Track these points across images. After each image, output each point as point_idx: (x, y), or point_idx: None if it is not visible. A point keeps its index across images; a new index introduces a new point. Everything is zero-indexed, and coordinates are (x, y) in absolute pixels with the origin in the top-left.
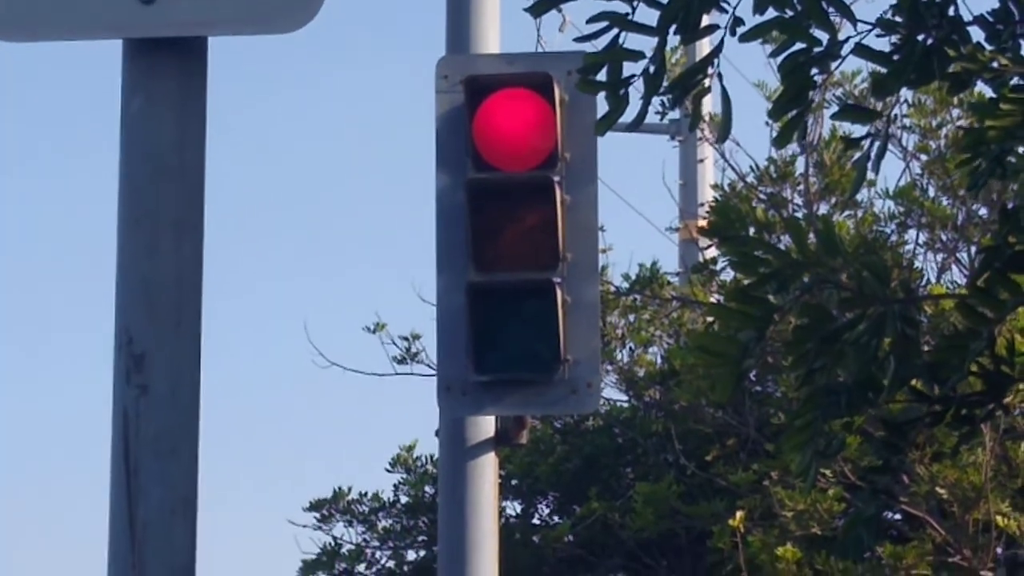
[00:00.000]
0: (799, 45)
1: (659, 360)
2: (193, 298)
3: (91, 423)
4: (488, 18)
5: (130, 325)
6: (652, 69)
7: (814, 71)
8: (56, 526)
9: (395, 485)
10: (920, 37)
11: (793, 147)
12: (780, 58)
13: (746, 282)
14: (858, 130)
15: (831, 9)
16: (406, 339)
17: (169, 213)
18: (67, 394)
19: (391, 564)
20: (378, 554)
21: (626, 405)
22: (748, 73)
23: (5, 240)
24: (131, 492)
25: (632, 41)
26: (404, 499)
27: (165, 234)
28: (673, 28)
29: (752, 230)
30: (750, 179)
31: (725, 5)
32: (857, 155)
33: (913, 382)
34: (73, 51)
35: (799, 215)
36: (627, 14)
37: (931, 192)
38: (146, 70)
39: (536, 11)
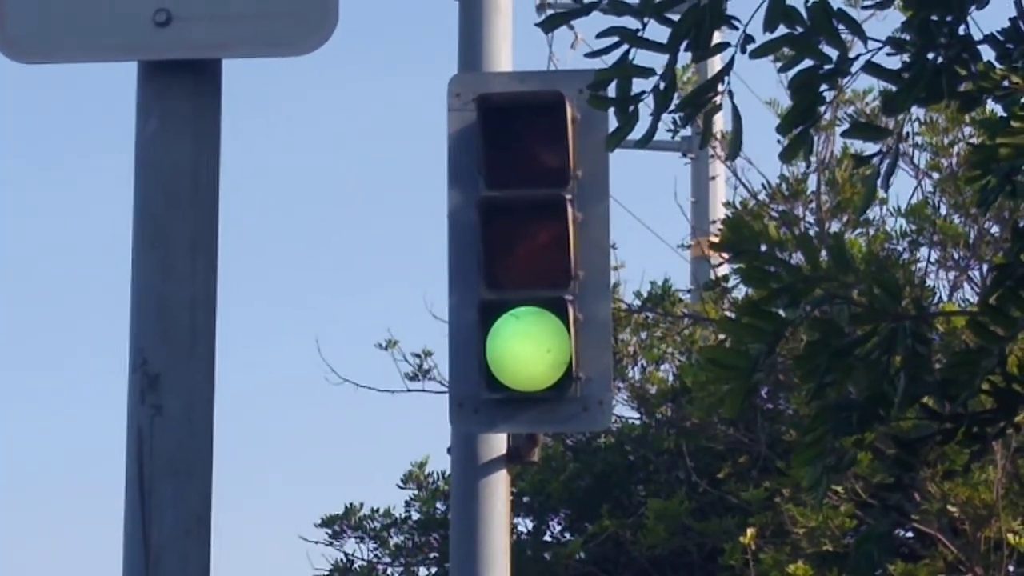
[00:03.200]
0: (809, 62)
1: (671, 377)
2: (208, 319)
3: (105, 443)
4: (500, 36)
5: (145, 346)
6: (662, 86)
7: (824, 87)
8: (70, 547)
9: (407, 502)
10: (930, 55)
11: (804, 165)
12: (790, 74)
13: (757, 296)
14: (869, 148)
15: (841, 26)
16: (418, 356)
17: (184, 234)
18: (81, 415)
19: None
20: (390, 571)
21: (638, 422)
22: (759, 91)
23: (19, 259)
24: (145, 513)
25: (643, 58)
26: (416, 516)
27: (180, 255)
28: (684, 45)
29: (764, 246)
30: (762, 197)
31: (736, 23)
32: (868, 172)
33: (924, 400)
34: (89, 73)
35: (811, 233)
36: (638, 30)
37: (943, 210)
38: (161, 92)
39: (547, 27)
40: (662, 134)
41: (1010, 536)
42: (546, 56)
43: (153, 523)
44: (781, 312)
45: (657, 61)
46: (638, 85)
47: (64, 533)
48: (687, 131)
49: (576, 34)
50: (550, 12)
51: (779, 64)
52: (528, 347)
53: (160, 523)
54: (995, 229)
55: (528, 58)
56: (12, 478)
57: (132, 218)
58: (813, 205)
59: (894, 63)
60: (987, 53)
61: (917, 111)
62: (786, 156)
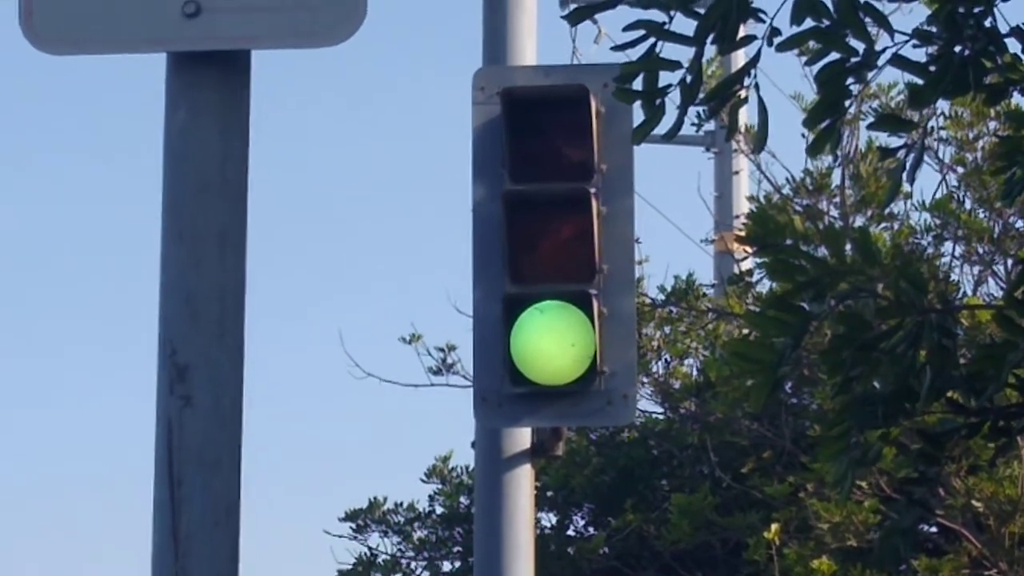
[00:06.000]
0: (835, 55)
1: (695, 372)
2: (236, 310)
3: (134, 434)
4: (524, 30)
5: (174, 336)
6: (689, 79)
7: (850, 80)
8: (99, 537)
9: (430, 496)
10: (957, 48)
11: (829, 159)
12: (816, 68)
13: (783, 290)
14: (894, 142)
15: (868, 19)
16: (442, 350)
17: (213, 226)
18: (110, 405)
19: (426, 575)
20: (413, 565)
21: (662, 417)
22: (783, 86)
23: (49, 250)
24: (174, 503)
25: (668, 51)
26: (439, 510)
27: (209, 246)
28: (710, 38)
29: (790, 240)
30: (786, 191)
31: (763, 15)
32: (893, 165)
33: (950, 393)
34: (118, 64)
35: (835, 227)
36: (664, 23)
37: (967, 205)
38: (190, 83)
39: (574, 19)
40: (686, 128)
41: None
42: (569, 51)
43: (182, 513)
44: (806, 306)
45: (683, 54)
46: (664, 78)
47: (93, 523)
48: (711, 125)
49: (600, 28)
50: (575, 6)
51: (804, 58)
52: (552, 341)
53: (189, 513)
54: (1020, 223)
55: (552, 52)
56: (42, 468)
57: (161, 209)
58: (837, 199)
59: (920, 56)
60: (1013, 46)
61: (942, 105)
62: (813, 150)
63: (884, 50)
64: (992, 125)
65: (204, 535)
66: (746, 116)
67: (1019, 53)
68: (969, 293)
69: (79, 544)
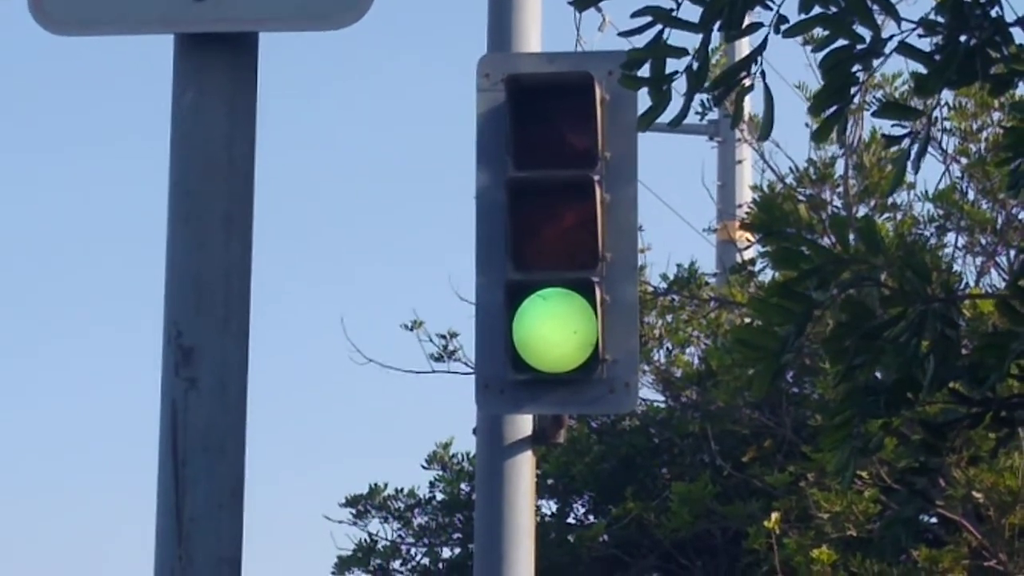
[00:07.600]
0: (842, 42)
1: (696, 360)
2: (242, 293)
3: (139, 416)
4: (529, 17)
5: (179, 319)
6: (695, 66)
7: (856, 68)
8: (103, 520)
9: (431, 482)
10: (963, 38)
11: (833, 149)
12: (822, 55)
13: (787, 278)
14: (899, 130)
15: (875, 7)
16: (443, 337)
17: (219, 208)
18: (115, 388)
19: (426, 561)
20: (413, 551)
21: (663, 405)
22: (787, 75)
23: (54, 232)
24: (179, 485)
25: (675, 38)
26: (440, 496)
27: (214, 228)
28: (717, 25)
29: (794, 228)
30: (789, 180)
31: (770, 2)
32: (897, 155)
33: (953, 384)
34: (125, 45)
35: (840, 215)
36: (671, 10)
37: (971, 195)
38: (197, 65)
39: (580, 5)
40: (690, 117)
41: None
42: (574, 38)
43: (187, 496)
44: (810, 293)
45: (690, 41)
46: (671, 65)
47: (97, 506)
48: (714, 114)
49: (604, 16)
50: None
51: (809, 47)
52: (555, 328)
53: (193, 496)
54: (1023, 215)
55: (556, 40)
56: (46, 451)
57: (167, 191)
58: (841, 189)
59: (926, 45)
60: (1020, 36)
61: (946, 95)
62: (819, 136)
63: (891, 38)
64: (996, 116)
65: (209, 517)
66: (750, 105)
67: None
68: (972, 284)
69: (84, 528)
